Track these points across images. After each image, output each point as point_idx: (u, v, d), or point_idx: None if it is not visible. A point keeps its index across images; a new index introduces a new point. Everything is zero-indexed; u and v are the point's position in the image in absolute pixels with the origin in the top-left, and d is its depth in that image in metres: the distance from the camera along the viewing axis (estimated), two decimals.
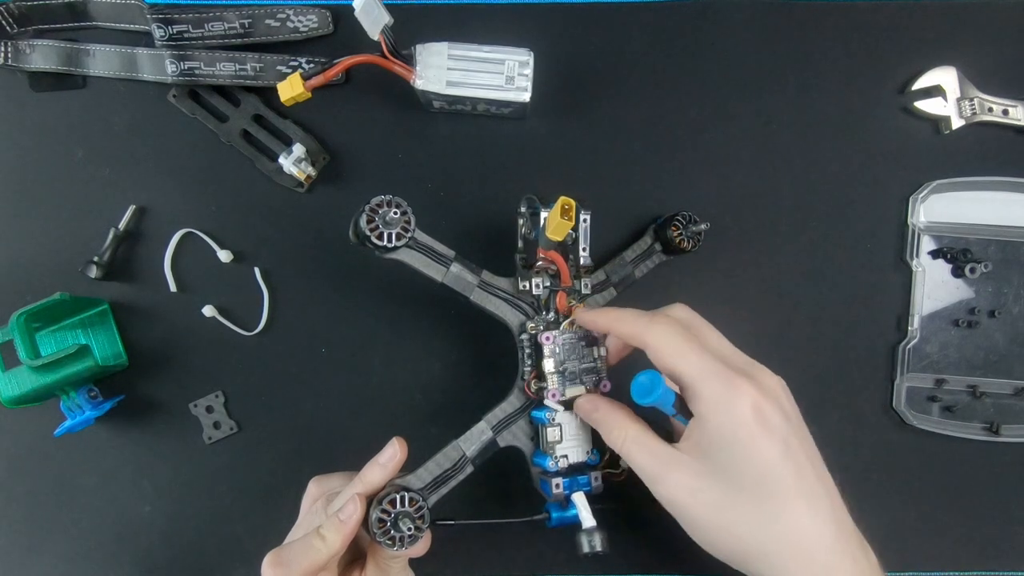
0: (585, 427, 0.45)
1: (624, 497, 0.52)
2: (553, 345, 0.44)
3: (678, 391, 0.40)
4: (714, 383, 0.37)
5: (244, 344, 0.52)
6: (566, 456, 0.44)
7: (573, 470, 0.44)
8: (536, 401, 0.45)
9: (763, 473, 0.36)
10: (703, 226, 0.48)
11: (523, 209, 0.46)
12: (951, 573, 0.53)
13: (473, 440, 0.44)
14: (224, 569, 0.52)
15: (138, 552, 0.52)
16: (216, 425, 0.52)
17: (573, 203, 0.40)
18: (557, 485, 0.43)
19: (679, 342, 0.38)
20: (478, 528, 0.51)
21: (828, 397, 0.52)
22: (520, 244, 0.46)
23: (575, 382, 0.44)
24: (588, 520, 0.42)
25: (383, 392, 0.52)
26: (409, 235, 0.42)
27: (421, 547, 0.42)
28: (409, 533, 0.40)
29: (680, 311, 0.42)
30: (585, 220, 0.47)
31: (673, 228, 0.49)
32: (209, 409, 0.52)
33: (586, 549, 0.42)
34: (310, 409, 0.52)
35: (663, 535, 0.52)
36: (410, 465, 0.43)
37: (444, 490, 0.43)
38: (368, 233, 0.41)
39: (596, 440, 0.45)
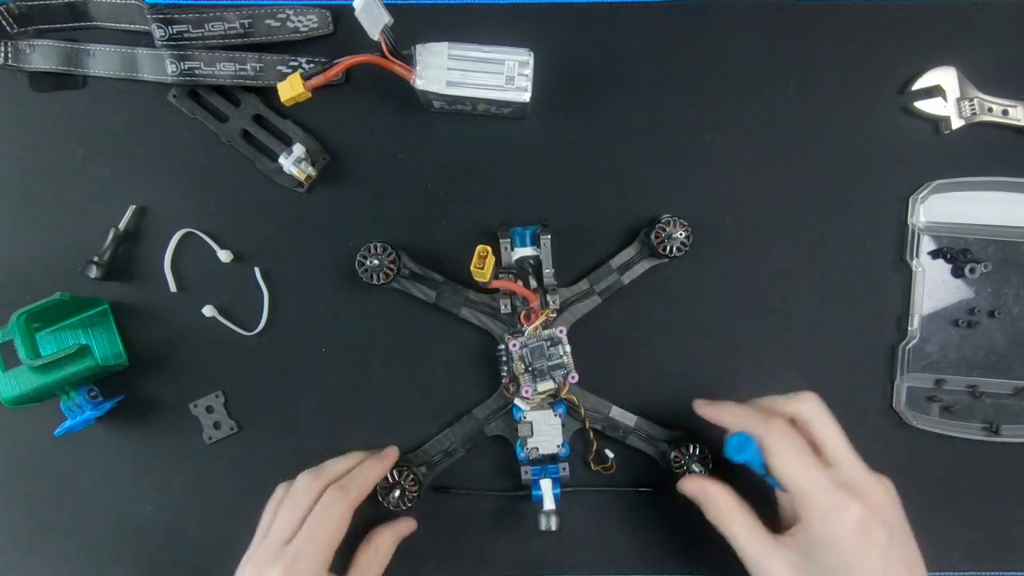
0: (556, 424, 0.49)
1: (624, 497, 0.52)
2: (521, 350, 0.48)
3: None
4: (823, 496, 0.40)
5: (244, 344, 0.52)
6: (537, 448, 0.49)
7: (547, 459, 0.50)
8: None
9: None
10: (680, 233, 0.49)
11: (498, 233, 0.50)
12: (951, 573, 0.53)
13: (462, 430, 0.51)
14: (224, 569, 0.52)
15: (139, 552, 0.52)
16: (216, 425, 0.52)
17: (489, 250, 0.45)
18: (525, 471, 0.50)
19: (792, 454, 0.41)
20: (480, 525, 0.52)
21: (828, 397, 0.52)
22: None
23: (544, 378, 0.48)
24: (548, 503, 0.48)
25: (383, 392, 0.52)
26: (395, 274, 0.49)
27: (398, 529, 0.49)
28: (404, 498, 0.49)
29: (808, 404, 0.44)
30: (546, 244, 0.49)
31: (656, 235, 0.49)
32: (209, 409, 0.52)
33: (542, 527, 0.48)
34: (310, 409, 0.52)
35: (664, 535, 0.52)
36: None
37: (439, 468, 0.51)
38: (361, 275, 0.49)
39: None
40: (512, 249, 0.50)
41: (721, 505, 0.44)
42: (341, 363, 0.52)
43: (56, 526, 0.52)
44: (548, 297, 0.49)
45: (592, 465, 0.51)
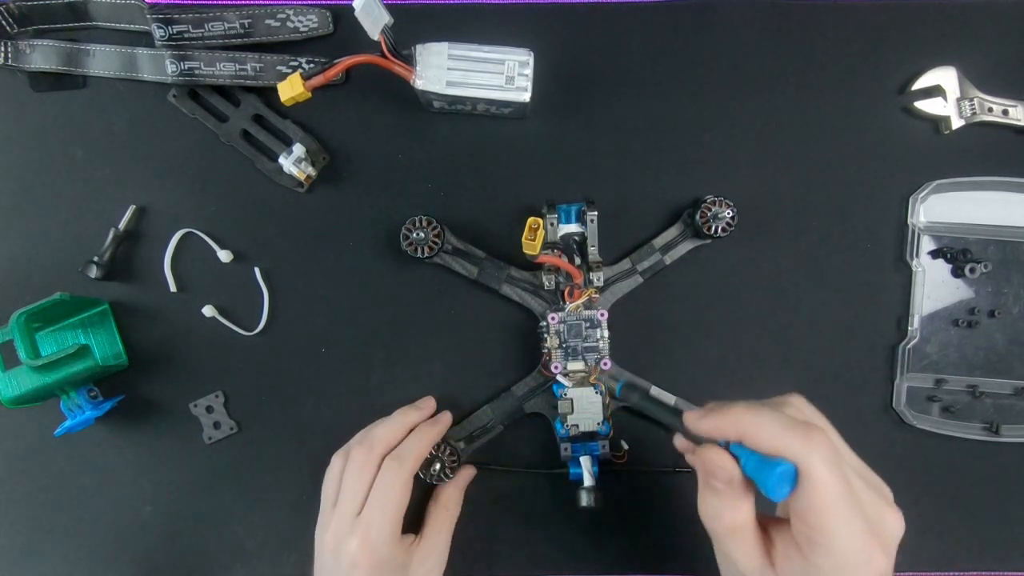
0: (596, 402, 0.49)
1: (626, 497, 0.52)
2: (559, 325, 0.49)
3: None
4: (853, 544, 0.33)
5: (244, 344, 0.52)
6: (577, 425, 0.49)
7: (586, 437, 0.49)
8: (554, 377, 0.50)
9: None
10: (728, 212, 0.49)
11: (543, 211, 0.50)
12: (951, 573, 0.53)
13: (500, 406, 0.51)
14: (224, 569, 0.52)
15: (138, 552, 0.52)
16: (216, 425, 0.52)
17: (540, 222, 0.45)
18: (565, 448, 0.50)
19: (842, 486, 0.33)
20: (483, 523, 0.52)
21: (828, 397, 0.52)
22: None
23: (577, 358, 0.49)
24: (588, 480, 0.49)
25: (383, 392, 0.52)
26: (439, 247, 0.49)
27: (461, 480, 0.51)
28: (441, 471, 0.49)
29: (803, 406, 0.38)
30: (592, 220, 0.49)
31: (701, 215, 0.50)
32: (209, 409, 0.52)
33: (583, 503, 0.48)
34: (310, 409, 0.52)
35: (663, 535, 0.52)
36: None
37: (478, 443, 0.51)
38: (405, 248, 0.49)
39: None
40: (557, 225, 0.50)
41: (732, 505, 0.36)
42: (341, 363, 0.52)
43: (56, 526, 0.52)
44: (592, 274, 0.49)
45: (615, 457, 0.51)
